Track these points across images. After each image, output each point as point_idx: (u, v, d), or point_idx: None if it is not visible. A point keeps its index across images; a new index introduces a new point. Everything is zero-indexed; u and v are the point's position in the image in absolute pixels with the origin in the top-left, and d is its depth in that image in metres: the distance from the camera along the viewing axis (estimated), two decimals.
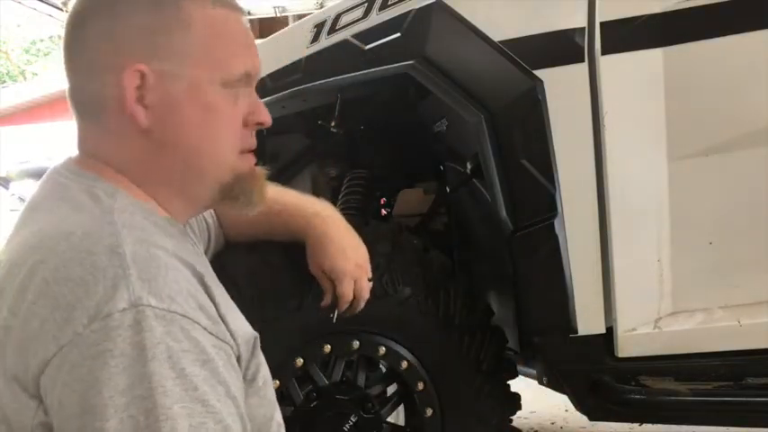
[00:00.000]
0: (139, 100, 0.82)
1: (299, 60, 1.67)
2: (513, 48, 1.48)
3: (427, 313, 1.47)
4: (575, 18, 1.46)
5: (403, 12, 1.55)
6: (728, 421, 1.69)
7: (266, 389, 0.91)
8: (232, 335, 0.79)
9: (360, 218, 1.72)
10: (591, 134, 1.47)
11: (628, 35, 1.46)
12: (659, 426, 2.12)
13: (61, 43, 0.87)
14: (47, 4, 8.05)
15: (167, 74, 0.83)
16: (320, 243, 1.24)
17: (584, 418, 1.67)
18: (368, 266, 1.29)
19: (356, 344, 1.45)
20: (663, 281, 1.54)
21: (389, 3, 1.58)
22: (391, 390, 1.54)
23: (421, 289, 1.47)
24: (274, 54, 1.74)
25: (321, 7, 6.24)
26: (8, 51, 19.18)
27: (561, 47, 1.47)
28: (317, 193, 2.00)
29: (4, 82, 18.00)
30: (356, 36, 1.60)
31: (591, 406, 1.61)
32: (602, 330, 1.53)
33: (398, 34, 1.55)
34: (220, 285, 0.87)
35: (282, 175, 2.00)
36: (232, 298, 0.89)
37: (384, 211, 2.20)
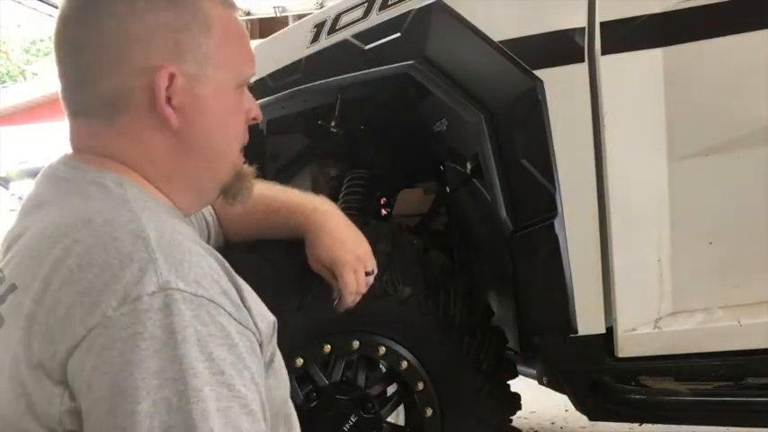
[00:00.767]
0: (167, 101, 0.82)
1: (299, 60, 1.68)
2: (513, 48, 1.48)
3: (427, 313, 1.47)
4: (575, 18, 1.46)
5: (403, 12, 1.55)
6: (728, 421, 1.69)
7: (282, 370, 0.92)
8: (254, 322, 0.79)
9: (360, 218, 1.72)
10: (591, 134, 1.47)
11: (628, 35, 1.46)
12: (659, 426, 2.12)
13: (55, 42, 0.85)
14: (47, 4, 8.05)
15: (194, 75, 0.83)
16: (318, 236, 1.25)
17: (584, 418, 1.67)
18: (370, 260, 1.28)
19: (356, 344, 1.45)
20: (663, 281, 1.54)
21: (389, 3, 1.58)
22: (391, 390, 1.54)
23: (421, 289, 1.47)
24: (274, 54, 1.74)
25: (321, 7, 6.24)
26: (8, 51, 19.19)
27: (561, 47, 1.47)
28: (316, 193, 1.98)
29: (4, 82, 18.00)
30: (356, 36, 1.61)
31: (591, 406, 1.61)
32: (602, 330, 1.53)
33: (398, 34, 1.55)
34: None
35: (282, 175, 2.00)
36: None
37: (384, 211, 2.20)
